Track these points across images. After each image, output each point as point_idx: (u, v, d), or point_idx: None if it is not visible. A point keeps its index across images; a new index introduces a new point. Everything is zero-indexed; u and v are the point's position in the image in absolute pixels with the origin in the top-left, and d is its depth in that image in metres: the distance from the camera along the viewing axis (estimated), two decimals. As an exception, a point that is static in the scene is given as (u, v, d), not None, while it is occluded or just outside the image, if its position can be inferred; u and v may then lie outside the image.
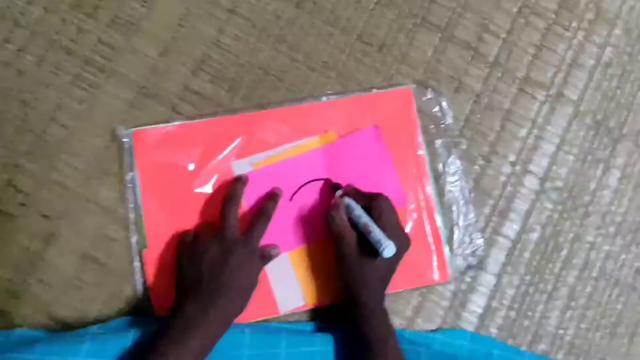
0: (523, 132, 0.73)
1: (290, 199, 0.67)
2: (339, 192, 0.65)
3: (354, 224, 0.61)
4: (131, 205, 0.66)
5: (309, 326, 0.66)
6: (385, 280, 0.62)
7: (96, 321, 0.64)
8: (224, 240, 0.60)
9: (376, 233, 0.58)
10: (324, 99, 0.70)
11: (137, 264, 0.65)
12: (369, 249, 0.59)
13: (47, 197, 0.66)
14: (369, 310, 0.60)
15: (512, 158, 0.72)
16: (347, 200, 0.62)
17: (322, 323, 0.67)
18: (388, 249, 0.56)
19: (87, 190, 0.66)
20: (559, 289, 0.71)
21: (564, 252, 0.72)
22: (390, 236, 0.58)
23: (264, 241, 0.63)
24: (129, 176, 0.66)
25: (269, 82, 0.70)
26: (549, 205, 0.72)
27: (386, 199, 0.62)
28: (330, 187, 0.67)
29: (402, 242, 0.62)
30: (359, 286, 0.60)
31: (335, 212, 0.61)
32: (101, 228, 0.66)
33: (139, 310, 0.65)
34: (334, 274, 0.65)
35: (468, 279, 0.70)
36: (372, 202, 0.61)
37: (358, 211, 0.61)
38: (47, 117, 0.67)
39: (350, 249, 0.60)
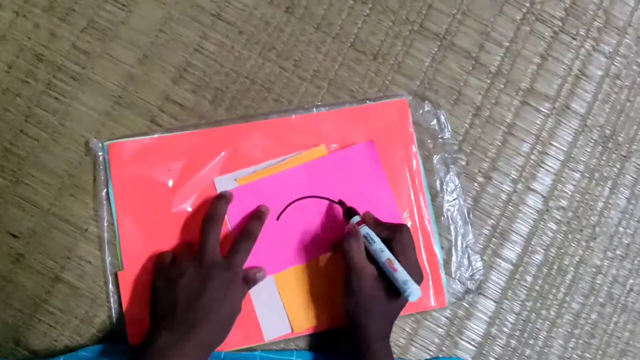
0: (526, 148, 0.68)
1: (278, 218, 0.63)
2: (355, 219, 0.59)
3: (371, 256, 0.57)
4: (106, 224, 0.61)
5: (296, 356, 0.61)
6: (395, 316, 0.58)
7: (66, 349, 0.60)
8: (203, 263, 0.56)
9: (402, 273, 0.53)
10: (315, 110, 0.65)
11: (111, 287, 0.61)
12: (386, 285, 0.55)
13: (15, 215, 0.61)
14: (374, 346, 0.56)
15: (514, 175, 0.68)
16: (367, 230, 0.58)
17: (310, 352, 0.62)
18: (414, 293, 0.52)
19: (59, 208, 0.62)
20: (563, 316, 0.67)
21: (569, 276, 0.68)
22: (411, 274, 0.54)
23: (248, 263, 0.59)
24: (103, 192, 0.62)
25: (256, 92, 0.66)
26: (553, 226, 0.68)
27: (408, 230, 0.58)
28: (342, 212, 0.61)
29: (420, 278, 0.58)
30: (368, 321, 0.56)
31: (355, 241, 0.56)
32: (73, 248, 0.61)
33: (113, 337, 0.60)
34: (325, 300, 0.61)
35: (466, 305, 0.66)
36: (395, 235, 0.57)
37: (379, 244, 0.56)
38: (16, 128, 0.62)
39: (366, 284, 0.55)
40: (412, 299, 0.52)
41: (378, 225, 0.59)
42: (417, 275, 0.57)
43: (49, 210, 0.62)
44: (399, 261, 0.55)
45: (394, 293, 0.54)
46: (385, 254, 0.55)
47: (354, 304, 0.56)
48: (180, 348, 0.51)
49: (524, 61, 0.70)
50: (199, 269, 0.55)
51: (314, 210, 0.63)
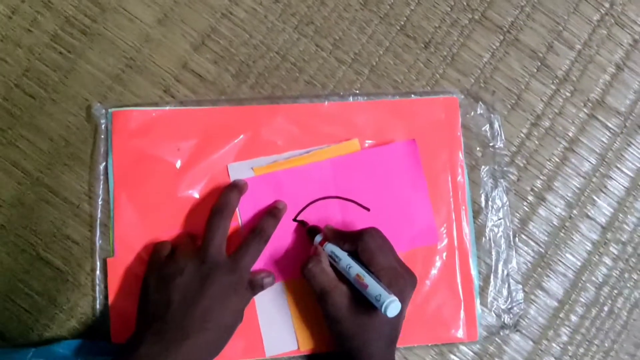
0: (588, 168, 0.59)
1: (295, 219, 0.55)
2: (317, 239, 0.52)
3: (342, 275, 0.49)
4: (100, 202, 0.54)
5: (298, 378, 0.54)
6: (393, 333, 0.50)
7: (40, 339, 0.53)
8: (206, 261, 0.48)
9: (373, 287, 0.45)
10: (351, 99, 0.57)
11: (98, 274, 0.53)
12: (366, 302, 0.46)
13: (0, 181, 0.54)
14: None
15: (570, 198, 0.59)
16: (330, 247, 0.50)
17: (315, 375, 0.54)
18: (391, 307, 0.44)
19: (50, 178, 0.54)
20: (609, 366, 0.58)
21: (620, 322, 0.59)
22: (389, 283, 0.46)
23: (255, 265, 0.51)
24: (101, 166, 0.54)
25: (286, 70, 0.57)
26: (609, 262, 0.59)
27: (373, 234, 0.49)
28: (303, 230, 0.54)
29: (406, 283, 0.49)
30: (360, 349, 0.48)
31: (315, 264, 0.48)
32: (61, 226, 0.54)
33: (95, 332, 0.53)
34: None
35: (498, 340, 0.57)
36: (359, 244, 0.48)
37: (345, 260, 0.48)
38: (12, 81, 0.55)
39: (340, 306, 0.47)
40: (391, 313, 0.44)
41: (341, 238, 0.50)
42: (400, 282, 0.48)
43: (39, 179, 0.54)
44: (370, 272, 0.47)
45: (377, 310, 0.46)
46: (353, 270, 0.47)
47: (338, 334, 0.49)
48: (166, 358, 0.43)
49: (596, 69, 0.60)
50: (200, 268, 0.48)
51: (336, 212, 0.55)
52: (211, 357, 0.47)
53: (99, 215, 0.54)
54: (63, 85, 0.55)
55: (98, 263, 0.53)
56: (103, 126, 0.54)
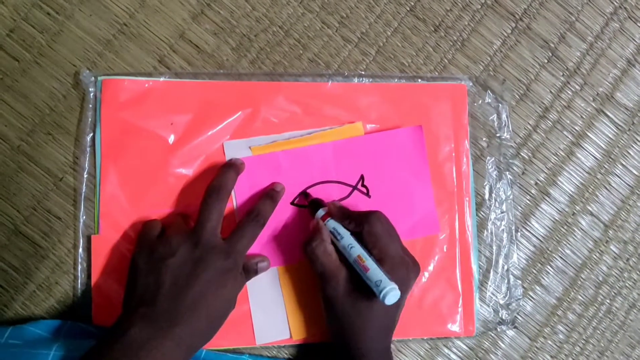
0: (593, 163, 0.58)
1: (292, 202, 0.52)
2: (320, 213, 0.49)
3: (342, 255, 0.47)
4: (85, 176, 0.51)
5: (289, 368, 0.51)
6: (390, 322, 0.48)
7: (16, 317, 0.49)
8: (199, 244, 0.45)
9: (374, 272, 0.43)
10: (355, 80, 0.54)
11: (81, 252, 0.50)
12: (365, 288, 0.44)
13: (-23, 147, 0.50)
14: None
15: (573, 193, 0.58)
16: (332, 224, 0.48)
17: (306, 365, 0.52)
18: (390, 294, 0.42)
19: (32, 147, 0.51)
20: (603, 366, 0.57)
21: (617, 321, 0.58)
22: (391, 270, 0.44)
23: (249, 250, 0.48)
24: (88, 137, 0.51)
25: (289, 47, 0.54)
26: (609, 260, 0.58)
27: (380, 217, 0.47)
28: (306, 204, 0.52)
29: (409, 271, 0.47)
30: (357, 336, 0.46)
31: (317, 241, 0.46)
32: (42, 199, 0.50)
33: (75, 313, 0.50)
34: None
35: (493, 335, 0.56)
36: (364, 225, 0.46)
37: (347, 239, 0.46)
38: (-6, 42, 0.51)
39: (340, 290, 0.45)
40: (390, 301, 0.42)
41: (347, 217, 0.48)
42: (403, 270, 0.46)
43: (20, 147, 0.50)
44: (372, 256, 0.45)
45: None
46: (355, 251, 0.45)
47: (334, 318, 0.47)
48: (157, 347, 0.40)
49: (607, 63, 0.59)
50: (194, 251, 0.45)
51: (335, 197, 0.53)
52: (201, 344, 0.44)
53: (83, 190, 0.50)
54: (50, 49, 0.51)
55: (81, 240, 0.50)
56: (91, 95, 0.51)
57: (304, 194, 0.52)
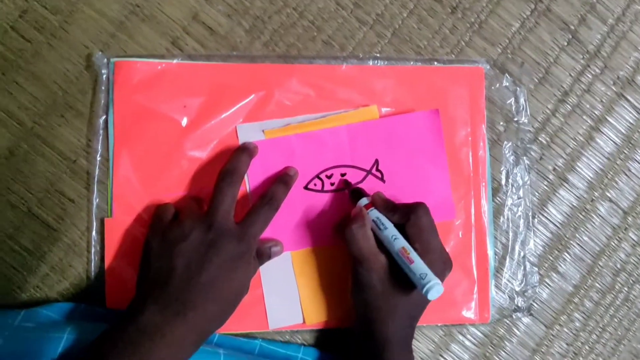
0: (612, 149, 0.57)
1: (306, 187, 0.52)
2: (363, 201, 0.49)
3: (381, 245, 0.46)
4: (99, 159, 0.50)
5: (302, 353, 0.51)
6: (418, 313, 0.48)
7: (30, 300, 0.49)
8: (213, 228, 0.45)
9: (418, 265, 0.43)
10: (370, 63, 0.53)
11: (94, 234, 0.50)
12: (400, 277, 0.44)
13: (-10, 129, 0.50)
14: (392, 353, 0.45)
15: (592, 179, 0.56)
16: (376, 214, 0.47)
17: (317, 351, 0.52)
18: (434, 289, 0.41)
19: (45, 129, 0.50)
20: (620, 354, 0.56)
21: (635, 310, 0.57)
22: (430, 264, 0.43)
23: (262, 235, 0.48)
24: (101, 120, 0.50)
25: (303, 28, 0.53)
26: (628, 248, 0.57)
27: (426, 211, 0.47)
28: (347, 192, 0.51)
29: (445, 267, 0.47)
30: (383, 322, 0.45)
31: (359, 227, 0.45)
32: (55, 181, 0.50)
33: (88, 296, 0.50)
34: (347, 291, 0.50)
35: (508, 322, 0.55)
36: (410, 217, 0.46)
37: (391, 230, 0.46)
38: (7, 23, 0.50)
39: (377, 278, 0.45)
40: (432, 296, 0.42)
41: (390, 208, 0.48)
42: (441, 265, 0.46)
43: (33, 129, 0.50)
44: (415, 249, 0.44)
45: (413, 288, 0.44)
46: (398, 242, 0.44)
47: (363, 302, 0.46)
48: (170, 331, 0.40)
49: (628, 46, 0.57)
50: (206, 234, 0.44)
51: (350, 181, 0.52)
52: (214, 329, 0.44)
53: (96, 173, 0.50)
54: (62, 30, 0.51)
55: (94, 223, 0.50)
56: (104, 77, 0.50)
57: (345, 182, 0.52)
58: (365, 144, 0.52)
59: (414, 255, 0.43)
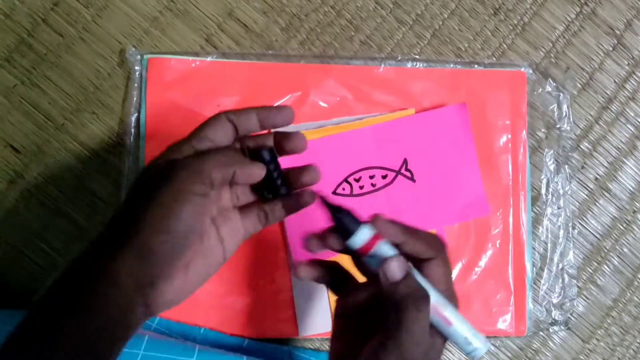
0: (655, 160, 0.55)
1: (334, 192, 0.50)
2: (365, 233, 0.34)
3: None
4: (130, 158, 0.49)
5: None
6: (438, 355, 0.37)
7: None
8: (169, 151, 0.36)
9: (461, 327, 0.34)
10: (409, 65, 0.52)
11: (123, 235, 0.49)
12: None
13: (20, 124, 0.49)
14: None
15: (635, 190, 0.55)
16: (389, 249, 0.34)
17: None
18: (481, 350, 0.34)
19: (76, 126, 0.49)
20: (658, 371, 0.55)
21: (675, 326, 0.55)
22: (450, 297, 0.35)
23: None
24: (133, 117, 0.49)
25: (341, 28, 0.52)
26: (669, 262, 0.55)
27: (445, 246, 0.36)
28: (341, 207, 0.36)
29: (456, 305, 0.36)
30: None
31: (422, 314, 0.32)
32: (86, 180, 0.49)
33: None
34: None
35: (543, 335, 0.54)
36: (438, 253, 0.35)
37: (418, 278, 0.34)
38: (39, 15, 0.49)
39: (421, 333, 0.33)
40: (478, 355, 0.35)
41: (410, 235, 0.34)
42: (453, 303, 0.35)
43: (63, 126, 0.49)
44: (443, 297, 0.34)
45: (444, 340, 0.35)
46: (430, 297, 0.33)
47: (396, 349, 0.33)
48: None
49: (676, 52, 0.55)
50: (161, 157, 0.36)
51: (378, 184, 0.50)
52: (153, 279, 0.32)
53: (127, 171, 0.49)
54: (95, 25, 0.50)
55: (123, 223, 0.49)
56: (137, 73, 0.49)
57: (322, 199, 0.36)
58: (393, 144, 0.50)
59: (452, 315, 0.34)
